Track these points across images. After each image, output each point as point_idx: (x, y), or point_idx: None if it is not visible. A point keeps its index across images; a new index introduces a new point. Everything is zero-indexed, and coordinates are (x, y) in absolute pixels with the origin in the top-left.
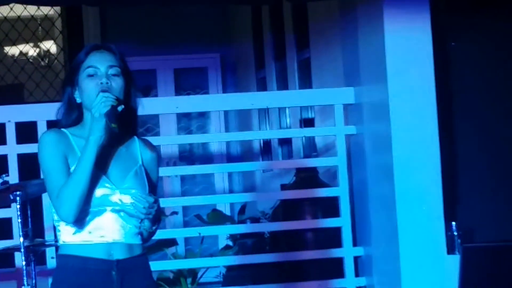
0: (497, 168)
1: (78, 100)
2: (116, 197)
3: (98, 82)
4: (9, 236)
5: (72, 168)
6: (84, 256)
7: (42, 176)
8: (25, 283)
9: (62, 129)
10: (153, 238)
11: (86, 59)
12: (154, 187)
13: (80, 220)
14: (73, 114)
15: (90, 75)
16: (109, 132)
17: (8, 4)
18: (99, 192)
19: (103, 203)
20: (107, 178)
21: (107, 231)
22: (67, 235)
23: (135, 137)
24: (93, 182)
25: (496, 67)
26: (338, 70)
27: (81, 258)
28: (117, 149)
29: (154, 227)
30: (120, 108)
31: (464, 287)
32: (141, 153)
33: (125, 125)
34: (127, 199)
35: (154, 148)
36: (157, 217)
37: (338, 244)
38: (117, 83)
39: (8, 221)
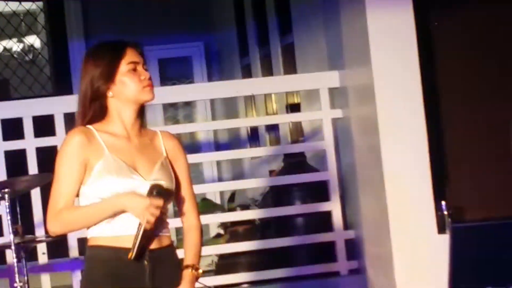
0: (485, 145)
1: (111, 94)
2: (144, 189)
3: (140, 77)
4: (0, 233)
5: (96, 167)
6: (115, 247)
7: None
8: (17, 280)
9: (88, 126)
10: None
11: (125, 55)
12: (184, 176)
13: None
14: (97, 109)
15: (132, 70)
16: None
17: None
18: (127, 184)
19: None
20: (135, 171)
21: (137, 222)
22: (97, 227)
23: (158, 131)
24: (121, 175)
25: (479, 46)
26: (322, 54)
27: (113, 248)
28: (142, 141)
29: None
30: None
31: (455, 266)
32: (164, 145)
33: (142, 117)
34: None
35: (174, 137)
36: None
37: (328, 228)
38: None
39: None
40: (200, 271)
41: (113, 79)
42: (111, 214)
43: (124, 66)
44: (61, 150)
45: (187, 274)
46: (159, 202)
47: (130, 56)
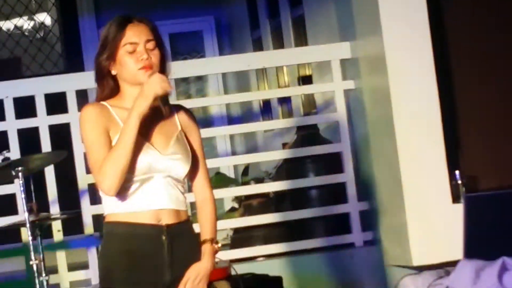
0: (499, 113)
1: (114, 72)
2: (162, 164)
3: (138, 58)
4: (15, 211)
5: (114, 140)
6: (133, 223)
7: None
8: (33, 257)
9: (102, 102)
10: None
11: (123, 35)
12: (197, 150)
13: (127, 189)
14: (108, 86)
15: (130, 52)
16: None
17: None
18: (144, 159)
19: (150, 170)
20: (152, 145)
21: (155, 197)
22: (115, 203)
23: (172, 105)
24: (138, 150)
25: (491, 12)
26: (333, 25)
27: (131, 224)
28: (158, 116)
29: None
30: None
31: (469, 235)
32: (178, 119)
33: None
34: (172, 165)
35: (188, 110)
36: None
37: (343, 199)
38: (156, 57)
39: (12, 197)
40: (219, 244)
41: (114, 58)
42: (139, 120)
43: (122, 47)
44: (81, 125)
45: (207, 248)
46: (162, 76)
47: (130, 35)
